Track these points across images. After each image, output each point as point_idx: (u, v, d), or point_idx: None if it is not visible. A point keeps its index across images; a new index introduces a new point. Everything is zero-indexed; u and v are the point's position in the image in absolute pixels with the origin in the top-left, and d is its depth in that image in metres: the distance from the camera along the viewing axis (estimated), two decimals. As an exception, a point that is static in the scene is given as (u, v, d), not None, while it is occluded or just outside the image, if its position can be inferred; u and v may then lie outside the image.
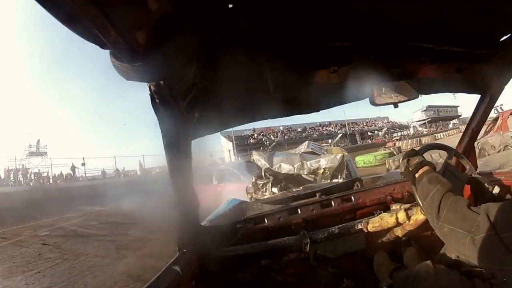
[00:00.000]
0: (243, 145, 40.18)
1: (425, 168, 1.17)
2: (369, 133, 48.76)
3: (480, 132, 1.69)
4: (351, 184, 2.22)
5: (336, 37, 1.02)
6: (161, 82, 0.81)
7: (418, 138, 32.43)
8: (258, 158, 6.59)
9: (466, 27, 1.09)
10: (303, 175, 6.23)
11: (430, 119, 55.32)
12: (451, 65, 1.30)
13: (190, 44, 0.70)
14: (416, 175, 1.17)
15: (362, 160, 18.86)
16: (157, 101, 0.83)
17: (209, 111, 1.12)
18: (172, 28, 0.65)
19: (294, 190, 2.36)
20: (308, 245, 1.50)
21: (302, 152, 7.71)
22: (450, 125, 55.46)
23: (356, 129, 48.43)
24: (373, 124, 52.22)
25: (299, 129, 46.63)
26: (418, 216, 1.42)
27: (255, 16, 0.84)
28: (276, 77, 1.07)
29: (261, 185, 6.54)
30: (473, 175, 1.40)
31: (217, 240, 1.55)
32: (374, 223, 1.50)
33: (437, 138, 34.53)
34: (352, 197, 1.77)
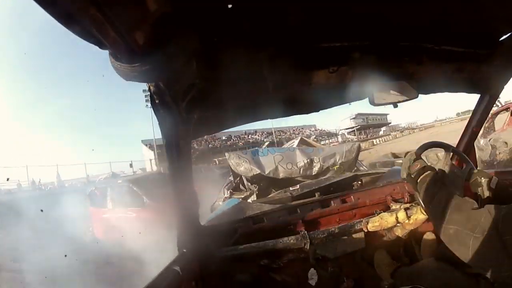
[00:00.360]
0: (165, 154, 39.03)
1: (428, 172, 1.15)
2: None
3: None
4: (351, 180, 2.22)
5: (335, 37, 1.02)
6: (161, 83, 0.81)
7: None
8: (239, 162, 4.45)
9: (466, 27, 1.09)
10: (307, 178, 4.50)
11: (359, 126, 56.26)
12: (451, 65, 1.30)
13: (190, 44, 0.70)
14: (418, 180, 1.16)
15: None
16: (157, 101, 0.83)
17: (209, 111, 1.12)
18: (172, 28, 0.65)
19: (291, 189, 2.36)
20: (308, 245, 1.50)
21: (294, 146, 5.87)
22: (381, 132, 56.83)
23: (283, 137, 46.82)
24: (301, 132, 51.70)
25: (223, 137, 45.45)
26: (418, 216, 1.42)
27: (255, 16, 0.83)
28: (275, 77, 1.06)
29: (240, 200, 5.33)
30: (473, 171, 1.39)
31: (217, 240, 1.55)
32: (374, 223, 1.51)
33: (374, 143, 34.78)
34: (352, 197, 1.77)
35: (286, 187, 3.38)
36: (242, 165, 4.35)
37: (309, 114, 1.37)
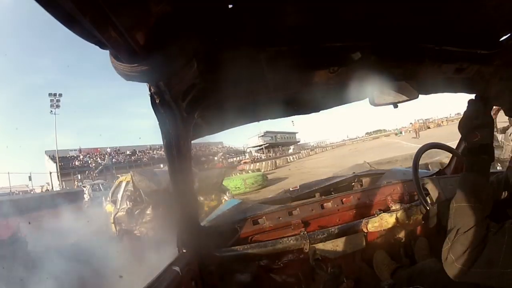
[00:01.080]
0: (68, 167, 35.78)
1: None
2: (203, 158, 48.04)
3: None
4: (351, 181, 2.22)
5: (335, 37, 1.02)
6: (161, 83, 0.81)
7: (273, 160, 30.99)
8: (141, 179, 5.55)
9: (466, 27, 1.09)
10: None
11: (267, 144, 55.55)
12: (451, 65, 1.30)
13: (190, 45, 0.70)
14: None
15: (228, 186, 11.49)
16: (157, 101, 0.83)
17: (209, 111, 1.12)
18: (172, 29, 0.65)
19: (291, 189, 2.36)
20: (308, 245, 1.50)
21: None
22: (290, 150, 55.88)
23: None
24: (207, 149, 50.26)
25: (128, 152, 43.68)
26: (418, 216, 1.42)
27: (255, 16, 0.83)
28: (276, 77, 1.06)
29: (137, 212, 5.36)
30: None
31: (216, 240, 1.55)
32: (374, 223, 1.50)
33: (289, 160, 34.23)
34: (352, 197, 1.77)
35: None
36: (144, 182, 5.40)
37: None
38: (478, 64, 1.32)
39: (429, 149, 1.38)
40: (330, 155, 28.77)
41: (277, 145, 59.13)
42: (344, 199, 1.77)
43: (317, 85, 1.17)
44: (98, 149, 42.99)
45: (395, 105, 1.28)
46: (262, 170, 21.67)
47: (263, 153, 52.73)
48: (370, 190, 1.81)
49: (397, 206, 1.56)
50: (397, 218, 1.46)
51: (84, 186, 18.58)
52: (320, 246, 1.57)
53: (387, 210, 1.62)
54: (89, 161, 38.53)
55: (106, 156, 40.79)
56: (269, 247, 1.50)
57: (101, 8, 0.50)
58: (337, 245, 1.60)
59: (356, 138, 68.94)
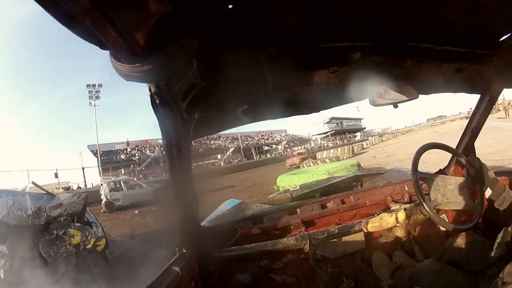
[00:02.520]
0: (111, 161, 33.20)
1: None
2: (265, 147, 44.64)
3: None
4: (351, 181, 2.22)
5: (336, 37, 1.02)
6: (161, 83, 0.81)
7: (349, 147, 26.30)
8: None
9: (466, 27, 1.09)
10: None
11: (333, 131, 52.81)
12: (451, 65, 1.30)
13: (190, 45, 0.70)
14: None
15: (290, 184, 8.58)
16: (157, 102, 0.83)
17: (209, 111, 1.12)
18: (172, 29, 0.65)
19: (291, 189, 2.36)
20: (308, 246, 1.50)
21: (26, 191, 5.30)
22: (357, 137, 53.10)
23: (250, 142, 43.22)
24: (270, 137, 48.06)
25: None
26: (418, 216, 1.42)
27: (255, 16, 0.83)
28: (276, 77, 1.06)
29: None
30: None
31: (216, 240, 1.55)
32: (374, 223, 1.51)
33: (364, 146, 31.55)
34: (352, 198, 1.77)
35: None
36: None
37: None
38: (478, 64, 1.32)
39: (430, 148, 1.38)
40: (407, 140, 25.49)
41: (343, 131, 55.81)
42: (344, 199, 1.77)
43: (317, 85, 1.17)
44: (149, 141, 38.82)
45: (395, 105, 1.28)
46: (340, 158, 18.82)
47: (329, 141, 49.89)
48: (370, 190, 1.82)
49: (397, 206, 1.57)
50: (397, 218, 1.46)
51: (102, 185, 16.35)
52: (320, 246, 1.57)
53: (387, 210, 1.62)
54: (136, 154, 35.09)
55: (157, 147, 36.88)
56: (269, 247, 1.50)
57: (101, 8, 0.50)
58: (337, 245, 1.61)
59: (420, 124, 64.26)
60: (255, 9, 0.80)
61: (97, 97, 32.81)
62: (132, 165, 31.11)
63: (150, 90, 0.81)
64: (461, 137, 1.66)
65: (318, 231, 1.56)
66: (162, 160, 30.37)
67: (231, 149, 37.58)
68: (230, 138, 43.38)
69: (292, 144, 46.79)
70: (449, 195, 1.24)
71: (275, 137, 49.37)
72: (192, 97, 0.96)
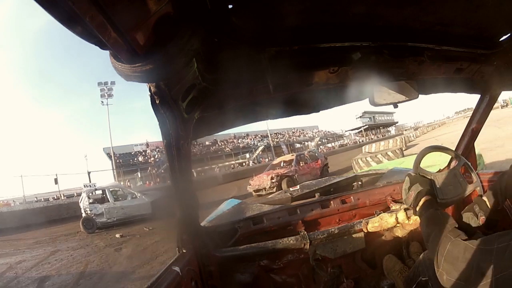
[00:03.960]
0: (128, 164, 30.86)
1: (424, 199, 1.09)
2: (297, 145, 41.74)
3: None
4: (351, 181, 2.22)
5: (336, 37, 1.02)
6: (161, 83, 0.81)
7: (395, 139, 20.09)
8: None
9: (466, 27, 1.09)
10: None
11: (366, 126, 50.43)
12: (451, 65, 1.30)
13: (190, 45, 0.70)
14: (417, 208, 1.11)
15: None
16: (157, 102, 0.83)
17: (209, 112, 1.12)
18: (172, 29, 0.65)
19: (291, 189, 2.36)
20: (308, 246, 1.50)
21: None
22: (392, 132, 50.44)
23: (281, 140, 40.25)
24: (302, 134, 45.33)
25: (207, 142, 35.69)
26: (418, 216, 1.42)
27: (255, 16, 0.84)
28: (276, 77, 1.06)
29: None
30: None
31: (216, 240, 1.55)
32: (374, 223, 1.51)
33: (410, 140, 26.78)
34: (352, 198, 1.77)
35: None
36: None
37: (310, 114, 1.35)
38: (478, 64, 1.32)
39: (433, 151, 1.37)
40: (454, 130, 20.60)
41: (376, 126, 53.45)
42: (344, 199, 1.78)
43: (317, 85, 1.18)
44: None
45: (395, 105, 1.28)
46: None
47: (363, 136, 47.56)
48: (370, 190, 1.82)
49: (397, 206, 1.56)
50: (397, 218, 1.46)
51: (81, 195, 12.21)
52: (320, 246, 1.57)
53: (387, 210, 1.62)
54: (156, 156, 32.20)
55: None
56: (269, 247, 1.51)
57: (101, 8, 0.50)
58: (337, 245, 1.61)
59: (449, 117, 61.76)
60: (255, 9, 0.80)
61: (110, 96, 30.82)
62: (149, 168, 28.68)
63: (150, 90, 0.81)
64: (460, 137, 1.66)
65: (318, 231, 1.56)
66: (194, 160, 28.43)
67: (261, 147, 34.46)
68: (259, 136, 40.83)
69: (325, 140, 44.34)
70: (449, 194, 1.24)
71: (307, 133, 46.60)
72: (192, 97, 0.96)
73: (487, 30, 1.14)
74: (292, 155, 14.93)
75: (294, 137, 43.55)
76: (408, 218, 1.45)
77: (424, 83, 1.31)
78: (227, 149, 35.39)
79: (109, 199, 11.16)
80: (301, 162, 14.13)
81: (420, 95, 1.29)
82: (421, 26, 1.04)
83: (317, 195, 1.98)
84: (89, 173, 22.65)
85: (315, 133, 47.74)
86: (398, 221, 1.46)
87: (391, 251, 1.70)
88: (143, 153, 34.05)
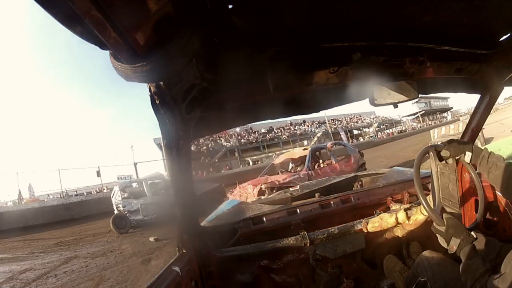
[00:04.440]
0: None
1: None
2: (355, 131, 40.67)
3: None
4: (351, 181, 2.23)
5: (336, 37, 1.02)
6: (161, 83, 0.81)
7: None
8: None
9: (466, 27, 1.09)
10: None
11: (423, 111, 48.67)
12: (451, 65, 1.30)
13: (191, 45, 0.70)
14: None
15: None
16: (157, 102, 0.83)
17: (209, 112, 1.12)
18: (173, 29, 0.65)
19: (291, 189, 2.36)
20: (308, 245, 1.50)
21: None
22: (448, 117, 48.47)
23: (339, 126, 38.56)
24: (359, 120, 43.43)
25: (263, 130, 33.59)
26: (418, 216, 1.42)
27: (255, 16, 0.83)
28: (275, 77, 1.06)
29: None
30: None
31: (216, 240, 1.55)
32: (374, 223, 1.51)
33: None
34: (352, 198, 1.77)
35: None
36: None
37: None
38: (478, 64, 1.32)
39: (427, 153, 1.37)
40: None
41: (432, 112, 51.21)
42: (344, 199, 1.77)
43: (317, 85, 1.17)
44: (225, 131, 32.48)
45: (395, 105, 1.28)
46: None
47: (419, 122, 45.83)
48: (370, 190, 1.82)
49: (397, 206, 1.56)
50: (397, 218, 1.46)
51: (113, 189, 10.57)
52: (320, 246, 1.57)
53: (387, 210, 1.62)
54: (209, 145, 29.22)
55: (233, 137, 31.51)
56: (269, 247, 1.51)
57: (101, 8, 0.50)
58: (337, 245, 1.61)
59: (500, 103, 60.46)
60: (255, 9, 0.80)
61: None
62: (201, 158, 25.46)
63: (150, 90, 0.81)
64: (460, 137, 1.66)
65: (318, 231, 1.56)
66: (241, 150, 27.81)
67: (318, 134, 31.90)
68: (316, 122, 38.37)
69: (383, 127, 42.33)
70: (450, 195, 1.24)
71: (364, 119, 44.14)
72: (192, 97, 0.96)
73: (487, 30, 1.14)
74: (304, 149, 9.27)
75: (352, 123, 41.77)
76: (408, 218, 1.44)
77: (424, 83, 1.31)
78: (284, 136, 33.02)
79: (147, 192, 9.22)
80: (320, 161, 9.00)
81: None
82: (421, 26, 1.04)
83: (317, 195, 1.98)
84: (135, 164, 19.82)
85: (373, 119, 44.81)
86: (398, 221, 1.46)
87: (391, 251, 1.70)
88: (195, 142, 29.90)
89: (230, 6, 0.76)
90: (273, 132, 33.88)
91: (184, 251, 1.34)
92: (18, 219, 11.65)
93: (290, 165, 9.34)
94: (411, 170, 1.30)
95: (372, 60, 1.12)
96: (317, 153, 9.32)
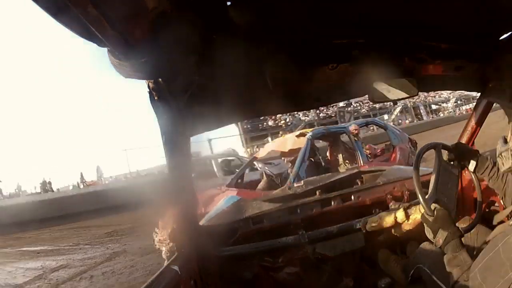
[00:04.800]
0: (256, 130, 27.04)
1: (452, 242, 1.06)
2: (433, 106, 36.54)
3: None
4: (353, 177, 2.20)
5: (335, 34, 1.02)
6: (159, 79, 0.81)
7: None
8: None
9: (466, 25, 1.09)
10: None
11: None
12: (450, 63, 1.30)
13: (188, 41, 0.70)
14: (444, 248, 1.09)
15: None
16: (156, 98, 0.83)
17: (208, 107, 1.11)
18: (171, 26, 0.64)
19: (295, 185, 2.34)
20: (307, 244, 1.50)
21: None
22: None
23: (417, 100, 33.64)
24: (437, 95, 38.41)
25: (341, 104, 29.67)
26: (417, 216, 1.41)
27: (254, 11, 0.83)
28: (274, 73, 1.06)
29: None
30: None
31: (216, 239, 1.55)
32: (373, 223, 1.50)
33: None
34: (352, 196, 1.77)
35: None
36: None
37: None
38: (478, 63, 1.32)
39: (431, 148, 1.37)
40: None
41: None
42: (344, 198, 1.77)
43: (316, 81, 1.17)
44: None
45: (395, 102, 1.27)
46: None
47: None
48: (370, 189, 1.81)
49: (397, 205, 1.56)
50: (396, 217, 1.45)
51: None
52: (319, 245, 1.57)
53: (386, 209, 1.61)
54: (287, 119, 26.77)
55: (311, 110, 28.06)
56: (269, 246, 1.50)
57: (98, 5, 0.49)
58: (337, 244, 1.60)
59: None
60: (254, 4, 0.80)
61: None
62: (280, 132, 24.65)
63: (148, 86, 0.81)
64: (460, 136, 1.66)
65: (317, 230, 1.56)
66: (320, 124, 24.08)
67: (398, 108, 28.94)
68: None
69: (461, 102, 37.60)
70: (448, 192, 1.24)
71: (441, 94, 39.18)
72: (191, 93, 0.96)
73: (487, 29, 1.14)
74: (299, 135, 4.99)
75: (430, 98, 37.38)
76: (407, 217, 1.44)
77: (423, 80, 1.31)
78: (363, 110, 30.36)
79: (217, 172, 7.49)
80: (320, 158, 5.33)
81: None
82: (421, 23, 1.04)
83: (318, 192, 1.97)
84: (209, 140, 16.50)
85: (449, 93, 39.00)
86: (397, 220, 1.46)
87: (390, 250, 1.70)
88: (273, 116, 27.00)
89: (228, 3, 0.75)
90: (352, 106, 29.99)
91: (183, 250, 1.33)
92: (73, 204, 10.16)
93: (278, 161, 6.18)
94: (411, 169, 1.30)
95: (371, 57, 1.11)
96: (330, 140, 5.44)
